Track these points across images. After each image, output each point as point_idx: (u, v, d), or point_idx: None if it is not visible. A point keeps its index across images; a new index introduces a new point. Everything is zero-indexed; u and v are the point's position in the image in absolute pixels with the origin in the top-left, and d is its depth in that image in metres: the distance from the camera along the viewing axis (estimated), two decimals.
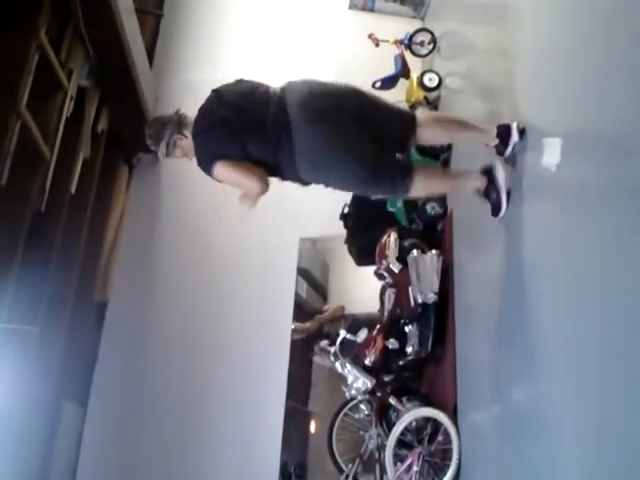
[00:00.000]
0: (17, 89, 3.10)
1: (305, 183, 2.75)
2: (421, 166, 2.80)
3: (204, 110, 2.76)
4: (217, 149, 2.66)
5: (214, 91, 2.83)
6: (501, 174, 2.61)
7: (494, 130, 2.67)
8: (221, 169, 2.64)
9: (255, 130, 2.61)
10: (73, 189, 3.93)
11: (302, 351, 4.74)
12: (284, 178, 2.74)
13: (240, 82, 2.87)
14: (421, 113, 2.81)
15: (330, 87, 2.70)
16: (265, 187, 2.68)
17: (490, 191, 2.65)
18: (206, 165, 2.66)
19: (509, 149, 2.66)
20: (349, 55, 5.11)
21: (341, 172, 2.61)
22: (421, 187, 2.65)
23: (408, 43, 4.68)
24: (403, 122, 2.68)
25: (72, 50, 3.69)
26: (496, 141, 2.67)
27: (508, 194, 2.64)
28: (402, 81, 4.71)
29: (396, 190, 2.66)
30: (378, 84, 4.63)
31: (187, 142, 2.74)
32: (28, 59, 3.17)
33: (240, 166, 2.64)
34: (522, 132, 2.60)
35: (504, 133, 2.64)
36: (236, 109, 2.67)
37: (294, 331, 4.70)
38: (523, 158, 2.63)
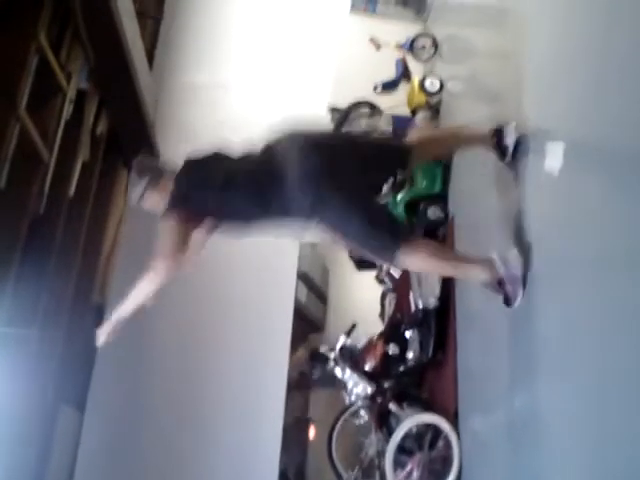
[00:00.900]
0: (16, 92, 3.08)
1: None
2: (424, 240, 2.62)
3: (195, 162, 2.69)
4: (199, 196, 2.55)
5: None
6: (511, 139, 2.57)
7: (490, 134, 2.66)
8: (168, 222, 2.52)
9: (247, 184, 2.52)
10: (72, 192, 3.92)
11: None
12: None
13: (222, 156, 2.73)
14: (416, 133, 2.73)
15: (324, 138, 2.64)
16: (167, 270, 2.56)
17: (504, 283, 2.41)
18: (174, 206, 2.54)
19: (509, 152, 2.62)
20: (350, 59, 5.11)
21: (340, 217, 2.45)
22: (418, 263, 2.46)
23: (409, 47, 4.67)
24: (398, 152, 2.62)
25: (72, 53, 3.68)
26: (493, 145, 2.65)
27: (524, 281, 2.38)
28: (403, 85, 4.70)
29: (385, 256, 2.47)
30: (379, 88, 4.63)
31: (163, 194, 2.61)
32: (27, 61, 3.15)
33: (175, 236, 2.51)
34: (519, 139, 2.56)
35: (499, 136, 2.62)
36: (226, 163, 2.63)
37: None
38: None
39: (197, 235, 2.61)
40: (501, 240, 2.75)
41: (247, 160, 2.61)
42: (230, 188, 2.51)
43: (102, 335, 2.83)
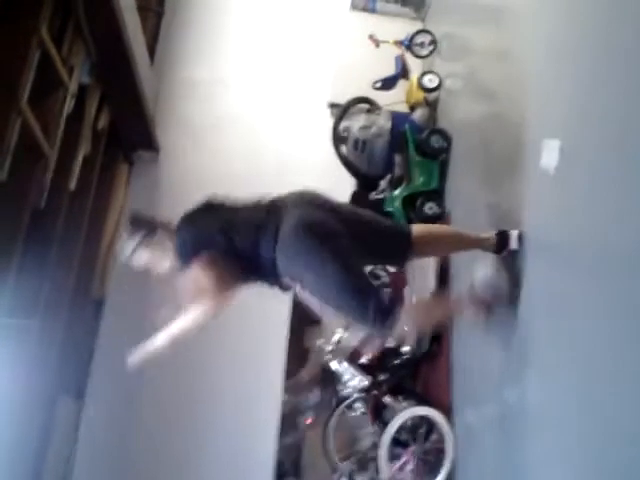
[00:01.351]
0: (18, 85, 3.10)
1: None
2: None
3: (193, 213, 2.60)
4: (205, 239, 2.44)
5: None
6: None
7: (493, 237, 2.58)
8: (199, 266, 2.38)
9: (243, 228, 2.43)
10: (73, 186, 3.95)
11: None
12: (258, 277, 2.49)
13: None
14: (417, 231, 2.56)
15: (324, 214, 2.43)
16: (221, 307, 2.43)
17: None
18: (187, 257, 2.42)
19: (504, 252, 2.57)
20: (350, 55, 5.12)
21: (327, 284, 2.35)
22: (409, 320, 2.36)
23: (408, 44, 4.69)
24: (401, 245, 2.54)
25: (73, 47, 3.70)
26: (493, 248, 2.59)
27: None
28: (402, 82, 4.72)
29: (376, 326, 2.34)
30: (378, 84, 4.65)
31: (161, 251, 2.51)
32: (29, 55, 3.17)
33: (210, 276, 2.36)
34: (520, 238, 2.51)
35: (502, 241, 2.54)
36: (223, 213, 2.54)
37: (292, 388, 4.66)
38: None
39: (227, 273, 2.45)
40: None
41: (246, 215, 2.49)
42: (228, 242, 2.40)
43: (134, 358, 2.66)
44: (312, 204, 2.43)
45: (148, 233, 2.50)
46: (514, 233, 2.52)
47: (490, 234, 2.59)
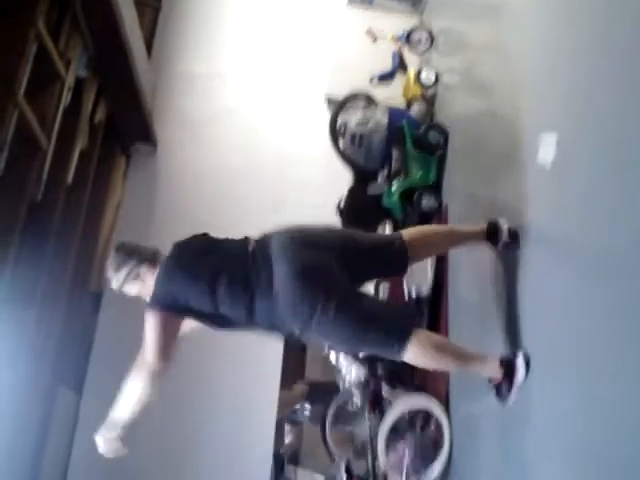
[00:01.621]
0: (15, 79, 3.10)
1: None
2: (425, 333, 2.37)
3: (179, 255, 2.45)
4: (182, 293, 2.33)
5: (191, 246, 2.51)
6: (521, 372, 2.23)
7: (484, 229, 2.53)
8: (154, 318, 2.32)
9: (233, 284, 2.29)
10: (70, 179, 3.95)
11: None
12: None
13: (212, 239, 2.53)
14: (410, 236, 2.50)
15: (320, 236, 2.39)
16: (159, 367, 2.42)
17: (502, 385, 2.30)
18: (156, 303, 2.34)
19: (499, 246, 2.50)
20: (347, 50, 5.13)
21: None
22: (420, 354, 2.26)
23: (406, 39, 4.69)
24: (395, 257, 2.46)
25: (70, 40, 3.70)
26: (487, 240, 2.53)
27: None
28: (399, 77, 4.73)
29: (388, 353, 2.32)
30: (375, 80, 4.65)
31: (145, 287, 2.45)
32: (26, 49, 3.17)
33: (164, 332, 2.33)
34: (511, 232, 2.47)
35: (493, 234, 2.49)
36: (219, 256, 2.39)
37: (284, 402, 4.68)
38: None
39: (185, 327, 2.44)
40: None
41: (236, 257, 2.37)
42: (217, 291, 2.28)
43: (102, 443, 2.61)
44: (300, 244, 2.31)
45: (135, 265, 2.44)
46: (504, 227, 2.49)
47: (481, 226, 2.56)
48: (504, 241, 2.50)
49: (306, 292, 2.20)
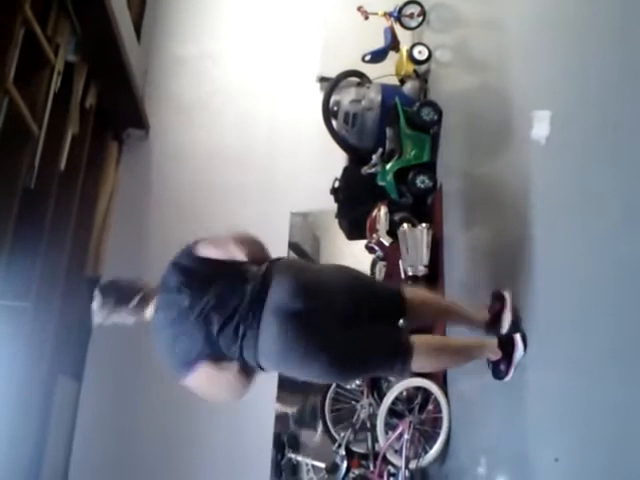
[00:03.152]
0: (3, 65, 3.07)
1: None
2: (421, 341, 2.33)
3: (164, 296, 2.32)
4: (189, 345, 2.23)
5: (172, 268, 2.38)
6: (520, 351, 2.31)
7: (486, 317, 2.50)
8: (202, 374, 2.21)
9: (223, 319, 2.17)
10: (62, 165, 3.93)
11: None
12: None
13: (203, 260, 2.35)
14: (410, 294, 2.42)
15: (320, 280, 2.29)
16: (243, 394, 2.27)
17: (501, 363, 2.39)
18: (183, 369, 2.24)
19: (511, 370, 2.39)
20: (338, 28, 5.07)
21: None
22: (425, 364, 2.33)
23: (397, 15, 4.64)
24: (393, 307, 2.39)
25: (58, 25, 3.66)
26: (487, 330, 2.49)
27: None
28: (392, 54, 4.69)
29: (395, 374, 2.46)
30: (368, 57, 4.61)
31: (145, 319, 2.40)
32: (14, 34, 3.14)
33: (223, 371, 2.21)
34: (524, 340, 2.35)
35: (506, 346, 2.38)
36: (201, 295, 2.22)
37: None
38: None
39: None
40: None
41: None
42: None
43: None
44: (293, 293, 2.18)
45: (118, 302, 2.39)
46: (517, 337, 2.36)
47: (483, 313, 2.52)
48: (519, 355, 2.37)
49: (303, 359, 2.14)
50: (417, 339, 2.27)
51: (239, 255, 2.32)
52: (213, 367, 2.19)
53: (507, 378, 2.38)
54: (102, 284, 2.46)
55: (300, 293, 2.17)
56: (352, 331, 2.22)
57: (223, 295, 2.20)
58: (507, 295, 2.48)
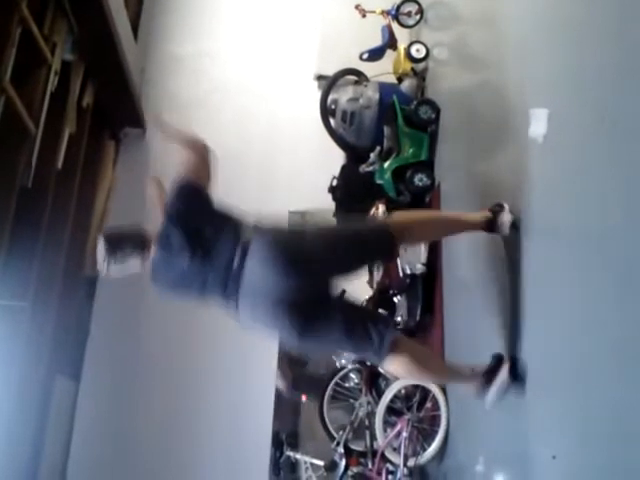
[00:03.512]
0: (0, 63, 3.06)
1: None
2: (409, 343, 2.37)
3: (165, 243, 2.37)
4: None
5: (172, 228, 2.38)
6: (502, 378, 2.32)
7: (482, 221, 2.47)
8: None
9: (215, 273, 2.28)
10: (60, 164, 3.92)
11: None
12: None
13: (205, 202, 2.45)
14: (397, 222, 2.45)
15: (305, 252, 2.29)
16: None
17: (483, 388, 2.38)
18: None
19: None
20: (336, 26, 5.07)
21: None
22: (401, 367, 2.31)
23: (395, 14, 4.64)
24: (384, 245, 2.42)
25: (55, 24, 3.65)
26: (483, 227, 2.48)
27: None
28: (389, 52, 4.68)
29: (372, 358, 2.39)
30: (365, 55, 4.61)
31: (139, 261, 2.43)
32: (11, 33, 3.13)
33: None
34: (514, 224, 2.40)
35: (492, 225, 2.44)
36: (202, 244, 2.31)
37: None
38: None
39: None
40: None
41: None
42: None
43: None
44: (285, 262, 2.22)
45: (139, 257, 2.41)
46: (505, 220, 2.42)
47: (481, 215, 2.49)
48: (504, 234, 2.45)
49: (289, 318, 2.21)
50: (404, 343, 2.31)
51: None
52: None
53: (486, 402, 2.37)
54: (105, 234, 2.49)
55: (284, 272, 2.19)
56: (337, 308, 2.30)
57: (218, 251, 2.27)
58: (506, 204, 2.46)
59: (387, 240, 2.38)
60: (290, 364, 4.80)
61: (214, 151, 2.54)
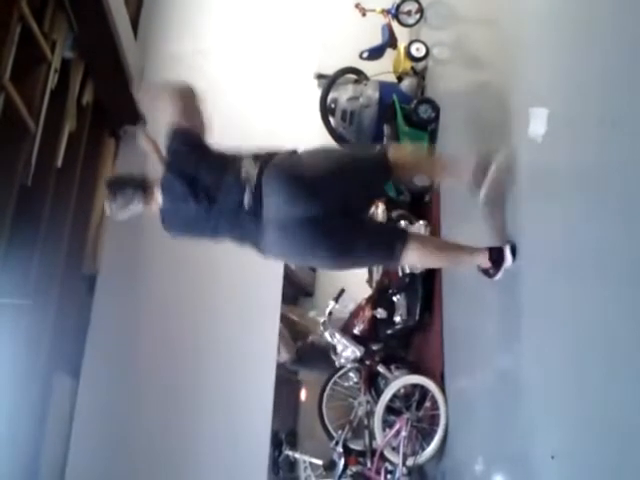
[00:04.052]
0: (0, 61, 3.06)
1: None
2: (417, 235, 2.60)
3: (169, 192, 2.49)
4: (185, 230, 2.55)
5: (178, 168, 2.50)
6: (508, 261, 2.42)
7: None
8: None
9: (225, 215, 2.41)
10: (59, 162, 3.91)
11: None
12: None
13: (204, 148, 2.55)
14: (397, 152, 2.61)
15: (311, 177, 2.39)
16: None
17: (490, 270, 2.49)
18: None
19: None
20: (336, 25, 5.07)
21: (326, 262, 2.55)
22: (415, 258, 2.50)
23: (395, 12, 4.64)
24: (380, 172, 2.52)
25: (55, 21, 3.64)
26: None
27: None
28: (389, 51, 4.68)
29: (388, 264, 2.60)
30: (365, 54, 4.61)
31: (154, 210, 2.57)
32: (10, 30, 3.11)
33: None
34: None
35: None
36: (205, 190, 2.40)
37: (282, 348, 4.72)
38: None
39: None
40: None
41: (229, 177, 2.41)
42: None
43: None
44: (293, 189, 2.33)
45: (141, 201, 2.54)
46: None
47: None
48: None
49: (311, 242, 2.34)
50: (411, 233, 2.54)
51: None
52: None
53: (496, 278, 2.47)
54: (109, 180, 2.67)
55: (296, 199, 2.31)
56: (352, 219, 2.42)
57: (224, 194, 2.37)
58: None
59: (381, 160, 2.50)
60: (293, 335, 4.82)
61: (203, 94, 2.65)
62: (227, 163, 2.44)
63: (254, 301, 4.71)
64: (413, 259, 2.55)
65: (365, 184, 2.52)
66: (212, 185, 2.38)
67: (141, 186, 2.54)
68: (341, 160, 2.54)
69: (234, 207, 2.35)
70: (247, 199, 2.33)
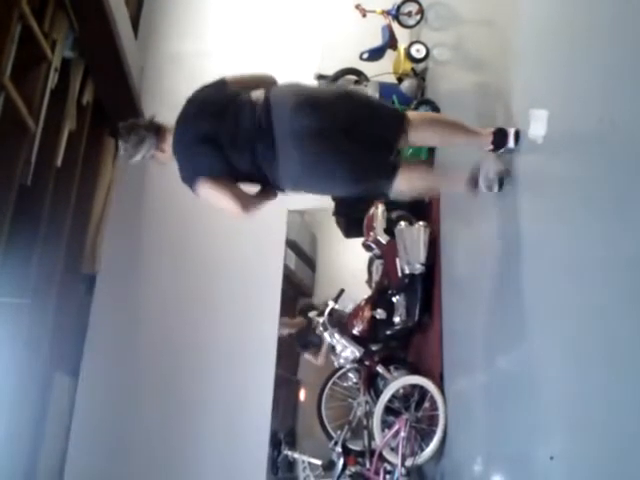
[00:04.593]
0: (0, 61, 3.05)
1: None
2: (406, 163, 2.66)
3: (182, 124, 2.64)
4: (200, 164, 2.55)
5: (190, 101, 2.74)
6: (510, 144, 2.52)
7: (490, 136, 2.57)
8: (204, 188, 2.53)
9: (237, 143, 2.49)
10: (59, 162, 3.91)
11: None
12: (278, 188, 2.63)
13: (219, 86, 2.72)
14: (413, 114, 2.67)
15: (319, 97, 2.53)
16: (249, 210, 2.58)
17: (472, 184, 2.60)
18: (190, 182, 2.56)
19: (501, 151, 2.58)
20: (336, 26, 5.07)
21: (327, 185, 2.64)
22: (404, 182, 2.55)
23: (395, 13, 4.64)
24: (393, 124, 2.57)
25: (55, 20, 3.64)
26: (490, 146, 2.58)
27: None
28: (389, 52, 4.68)
29: (381, 190, 2.60)
30: (365, 55, 4.61)
31: (166, 155, 2.67)
32: (10, 29, 3.11)
33: (224, 188, 2.52)
34: (517, 136, 2.51)
35: (500, 139, 2.54)
36: (217, 121, 2.54)
37: (284, 325, 4.73)
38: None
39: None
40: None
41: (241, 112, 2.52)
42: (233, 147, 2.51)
43: None
44: (303, 123, 2.43)
45: (152, 145, 2.64)
46: (511, 130, 2.53)
47: (488, 130, 2.60)
48: (509, 147, 2.55)
49: (312, 154, 2.43)
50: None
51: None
52: (214, 183, 2.51)
53: (478, 190, 2.54)
54: (121, 125, 2.74)
55: (303, 109, 2.42)
56: (355, 143, 2.46)
57: (236, 120, 2.49)
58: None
59: (398, 116, 2.58)
60: (299, 311, 4.82)
61: None
62: (236, 96, 2.57)
63: (254, 301, 4.71)
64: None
65: (378, 122, 2.56)
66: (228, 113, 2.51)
67: (153, 128, 2.65)
68: (357, 95, 2.69)
69: (250, 127, 2.45)
70: (259, 116, 2.44)
